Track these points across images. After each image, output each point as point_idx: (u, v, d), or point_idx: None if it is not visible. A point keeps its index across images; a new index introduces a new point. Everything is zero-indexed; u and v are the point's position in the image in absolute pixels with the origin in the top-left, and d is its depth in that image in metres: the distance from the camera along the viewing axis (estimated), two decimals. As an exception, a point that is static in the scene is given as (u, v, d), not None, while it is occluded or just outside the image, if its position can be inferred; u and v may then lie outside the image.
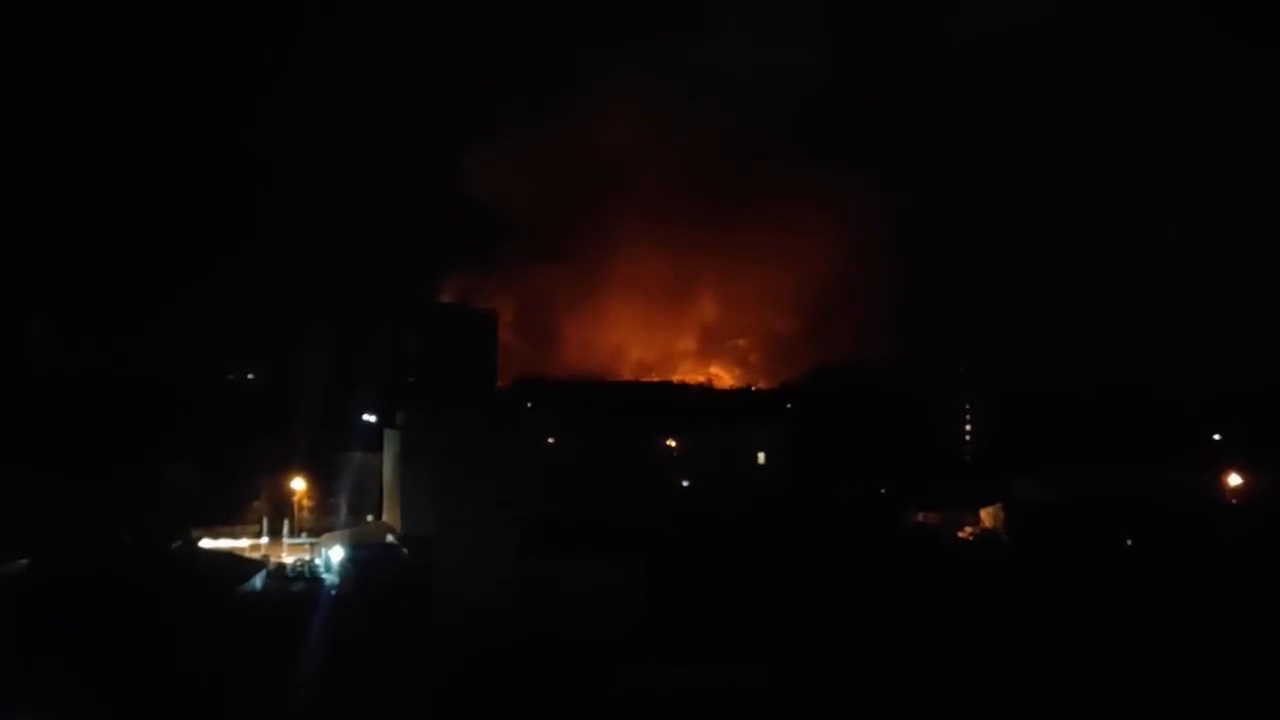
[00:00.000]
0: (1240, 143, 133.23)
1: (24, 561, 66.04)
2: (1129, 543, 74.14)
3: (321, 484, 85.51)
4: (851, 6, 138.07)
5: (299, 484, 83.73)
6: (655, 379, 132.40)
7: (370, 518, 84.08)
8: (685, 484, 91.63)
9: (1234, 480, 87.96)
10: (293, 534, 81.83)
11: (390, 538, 76.96)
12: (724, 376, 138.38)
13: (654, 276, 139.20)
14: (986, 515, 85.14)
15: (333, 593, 66.40)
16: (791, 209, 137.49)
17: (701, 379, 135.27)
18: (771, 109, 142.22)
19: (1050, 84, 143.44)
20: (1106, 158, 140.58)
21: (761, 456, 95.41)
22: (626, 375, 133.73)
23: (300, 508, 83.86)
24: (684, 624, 55.21)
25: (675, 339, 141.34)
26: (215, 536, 79.94)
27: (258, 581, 68.52)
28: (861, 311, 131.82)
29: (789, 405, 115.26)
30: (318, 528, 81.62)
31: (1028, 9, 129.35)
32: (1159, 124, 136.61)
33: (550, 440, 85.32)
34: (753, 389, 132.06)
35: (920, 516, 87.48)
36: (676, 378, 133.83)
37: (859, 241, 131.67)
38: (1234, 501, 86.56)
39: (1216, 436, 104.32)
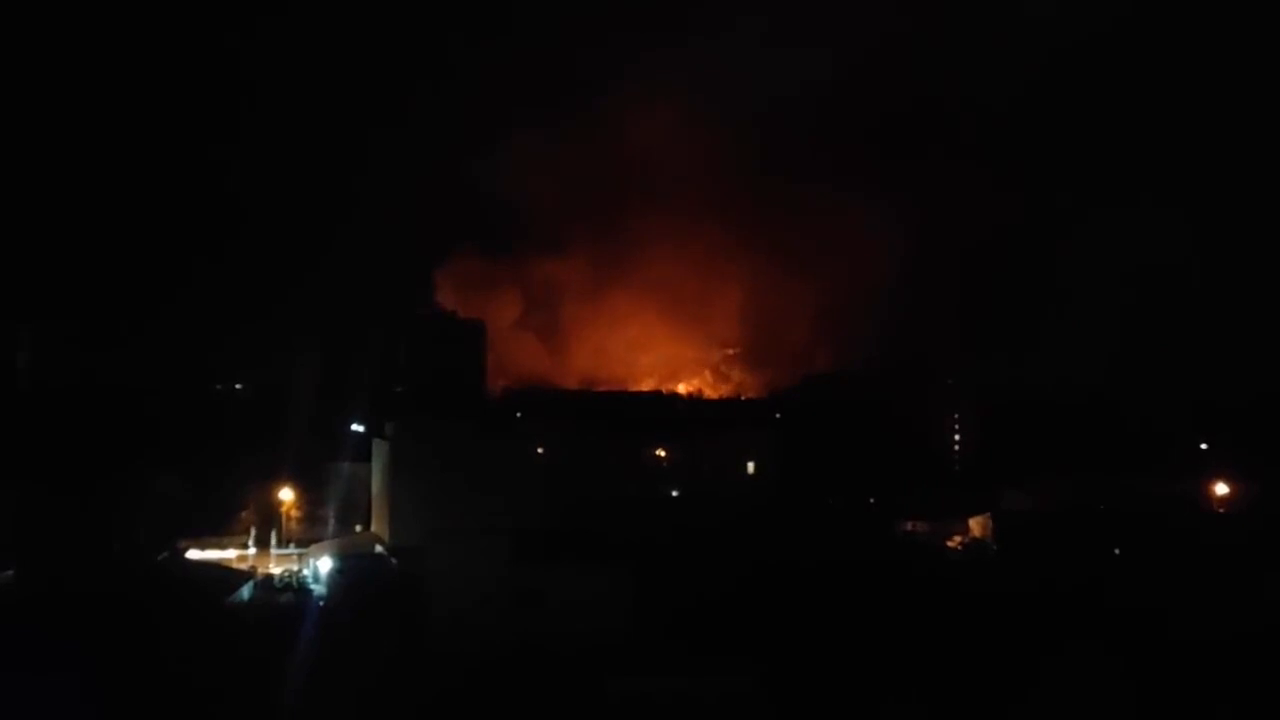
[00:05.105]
0: (1238, 152, 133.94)
1: (10, 573, 65.74)
2: (1116, 552, 74.36)
3: (310, 494, 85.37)
4: (871, 12, 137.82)
5: (287, 494, 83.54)
6: (653, 387, 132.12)
7: (359, 528, 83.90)
8: (675, 494, 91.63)
9: (1221, 489, 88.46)
10: (281, 545, 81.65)
11: (379, 548, 76.75)
12: (714, 386, 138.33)
13: (661, 282, 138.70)
14: (975, 525, 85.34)
15: (321, 603, 66.24)
16: (796, 215, 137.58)
17: (692, 388, 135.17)
18: (789, 112, 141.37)
19: (1053, 92, 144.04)
20: (1110, 170, 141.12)
21: (751, 466, 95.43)
22: (629, 381, 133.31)
23: (288, 518, 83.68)
24: (674, 634, 55.09)
25: (675, 346, 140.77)
26: (203, 547, 79.72)
27: (245, 592, 68.32)
28: (856, 321, 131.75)
29: (778, 415, 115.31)
30: (306, 538, 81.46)
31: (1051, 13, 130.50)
32: (1165, 136, 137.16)
33: (540, 450, 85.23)
34: (742, 398, 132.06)
35: (909, 526, 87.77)
36: (674, 386, 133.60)
37: (862, 250, 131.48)
38: (1221, 510, 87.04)
39: (1204, 446, 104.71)
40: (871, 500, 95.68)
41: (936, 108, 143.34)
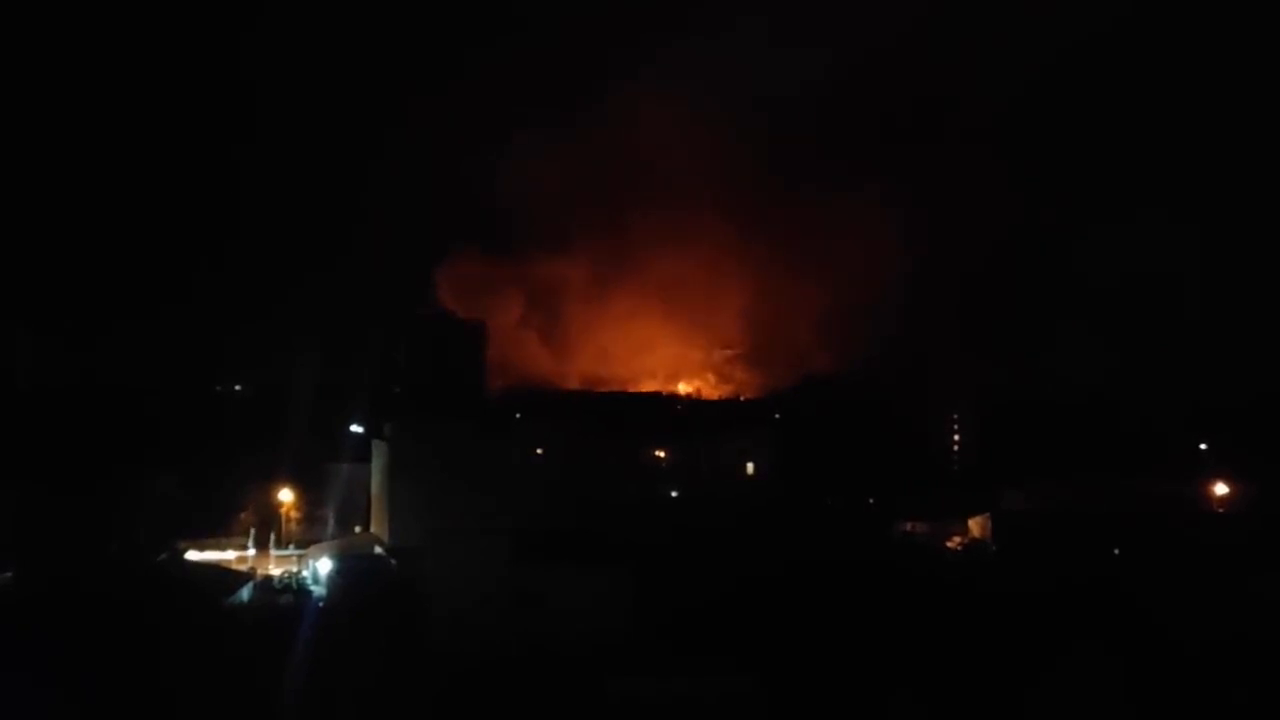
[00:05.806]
0: (1238, 154, 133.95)
1: (9, 574, 65.71)
2: (1116, 552, 74.41)
3: (309, 495, 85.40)
4: (872, 12, 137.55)
5: (286, 495, 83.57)
6: (655, 388, 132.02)
7: (358, 529, 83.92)
8: (674, 494, 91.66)
9: (1220, 489, 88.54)
10: (280, 546, 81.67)
11: (378, 549, 76.77)
12: (716, 386, 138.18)
13: (663, 282, 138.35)
14: (974, 525, 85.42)
15: (320, 605, 66.23)
16: (799, 216, 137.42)
17: (692, 389, 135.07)
18: (791, 113, 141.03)
19: (1053, 94, 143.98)
20: (1110, 172, 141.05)
21: (750, 467, 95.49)
22: (631, 382, 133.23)
23: (288, 519, 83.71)
24: (674, 634, 55.11)
25: (678, 346, 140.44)
26: (202, 548, 79.66)
27: (245, 594, 68.34)
28: (858, 322, 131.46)
29: (777, 415, 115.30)
30: (305, 539, 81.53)
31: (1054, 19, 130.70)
32: (1164, 138, 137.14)
33: (539, 451, 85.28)
34: (741, 399, 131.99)
35: (908, 526, 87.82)
36: (675, 387, 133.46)
37: (864, 251, 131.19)
38: (1220, 511, 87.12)
39: (1202, 446, 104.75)
40: (871, 500, 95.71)
41: (938, 109, 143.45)
